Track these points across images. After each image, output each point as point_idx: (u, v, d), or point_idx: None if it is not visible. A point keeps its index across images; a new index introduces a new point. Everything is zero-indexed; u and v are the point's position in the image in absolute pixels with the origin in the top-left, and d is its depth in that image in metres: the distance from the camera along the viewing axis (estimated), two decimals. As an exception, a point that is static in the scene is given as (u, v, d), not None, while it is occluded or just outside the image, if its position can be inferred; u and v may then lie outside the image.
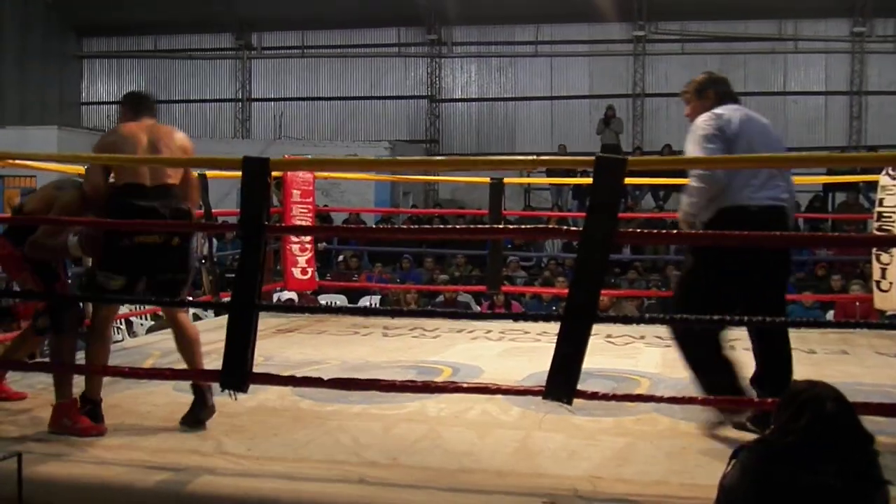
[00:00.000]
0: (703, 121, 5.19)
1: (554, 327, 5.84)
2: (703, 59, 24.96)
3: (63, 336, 5.28)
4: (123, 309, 10.99)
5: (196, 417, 5.07)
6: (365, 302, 14.41)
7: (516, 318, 7.53)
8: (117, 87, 29.29)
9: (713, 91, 5.43)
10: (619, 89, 25.36)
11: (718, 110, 5.24)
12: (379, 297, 14.52)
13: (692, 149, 5.12)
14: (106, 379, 5.83)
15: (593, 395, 4.27)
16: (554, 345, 4.20)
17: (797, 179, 14.78)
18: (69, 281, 5.88)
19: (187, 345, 5.33)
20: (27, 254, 5.37)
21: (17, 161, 8.09)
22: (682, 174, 10.42)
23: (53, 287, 5.43)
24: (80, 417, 4.97)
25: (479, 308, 13.29)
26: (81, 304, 5.66)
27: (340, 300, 14.25)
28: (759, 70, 24.86)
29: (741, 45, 24.72)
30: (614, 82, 25.52)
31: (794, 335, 8.07)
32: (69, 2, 27.80)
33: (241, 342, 4.46)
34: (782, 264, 5.34)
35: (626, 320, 4.70)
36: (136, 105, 5.64)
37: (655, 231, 4.55)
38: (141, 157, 5.23)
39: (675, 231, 4.54)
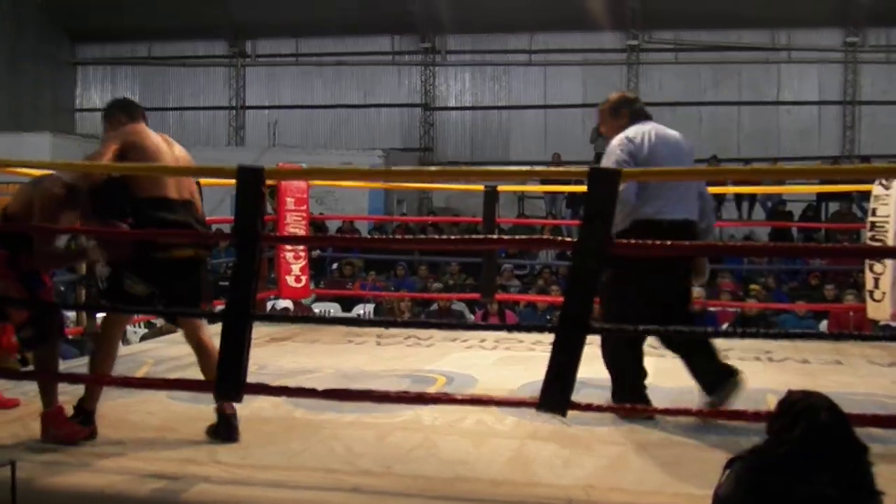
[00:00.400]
0: (616, 146, 5.59)
1: (548, 337, 5.86)
2: (697, 69, 25.04)
3: (46, 345, 5.23)
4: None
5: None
6: (359, 310, 14.41)
7: (511, 329, 7.53)
8: (111, 93, 29.21)
9: (627, 110, 5.84)
10: (612, 98, 25.38)
11: (630, 133, 5.61)
12: (373, 304, 14.52)
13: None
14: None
15: (588, 407, 4.28)
16: (547, 354, 4.21)
17: (791, 189, 14.85)
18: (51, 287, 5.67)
19: (207, 360, 5.18)
20: (36, 265, 5.27)
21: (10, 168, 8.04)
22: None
23: (37, 295, 5.28)
24: (65, 424, 4.94)
25: (472, 316, 13.30)
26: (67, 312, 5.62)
27: (334, 308, 14.24)
28: (753, 79, 24.92)
29: (735, 55, 24.76)
30: (608, 91, 25.14)
31: (788, 345, 8.15)
32: (63, 8, 27.78)
33: (235, 352, 4.46)
34: (687, 275, 5.75)
35: (622, 332, 4.71)
36: (131, 111, 5.56)
37: (650, 242, 4.56)
38: (150, 165, 5.15)
39: (668, 242, 4.54)
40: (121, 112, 5.54)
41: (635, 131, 5.64)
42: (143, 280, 5.11)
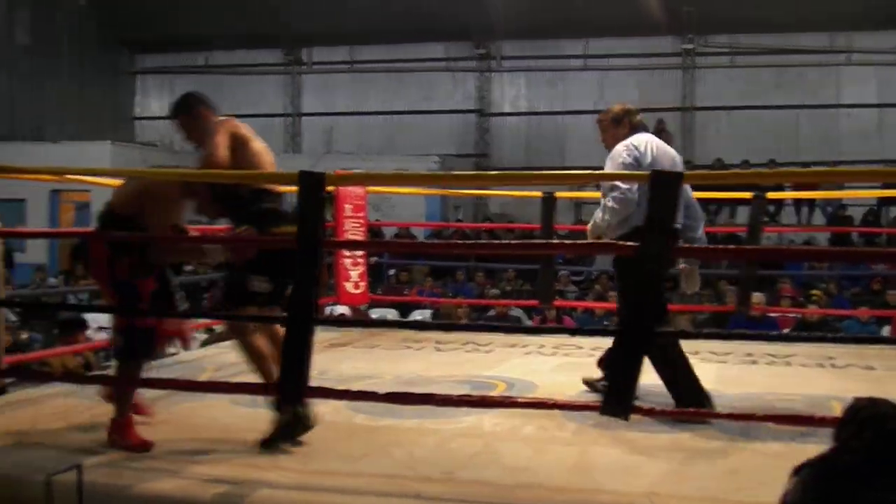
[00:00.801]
0: (622, 152, 5.85)
1: (607, 342, 5.82)
2: (754, 72, 24.82)
3: (133, 361, 5.22)
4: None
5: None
6: (416, 316, 14.42)
7: (573, 332, 7.51)
8: (169, 102, 29.51)
9: (628, 121, 6.09)
10: (668, 102, 25.21)
11: (634, 141, 5.90)
12: (430, 311, 14.52)
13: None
14: (162, 392, 5.91)
15: (650, 412, 4.26)
16: (609, 360, 4.19)
17: (851, 193, 14.67)
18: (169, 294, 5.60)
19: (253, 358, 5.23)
20: (153, 260, 5.25)
21: (73, 176, 8.15)
22: (735, 188, 10.37)
23: (134, 304, 5.20)
24: (131, 434, 4.97)
25: (530, 322, 13.26)
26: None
27: (392, 314, 14.27)
28: (812, 83, 24.65)
29: (793, 58, 24.50)
30: (664, 96, 25.38)
31: (852, 351, 8.04)
32: (123, 18, 28.13)
33: (297, 356, 4.48)
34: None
35: (685, 335, 4.68)
36: (210, 104, 5.62)
37: (712, 246, 4.52)
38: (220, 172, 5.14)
39: (731, 246, 4.50)
40: (203, 105, 5.58)
41: (638, 139, 5.94)
42: (266, 276, 5.15)
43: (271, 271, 5.15)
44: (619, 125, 6.10)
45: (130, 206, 5.23)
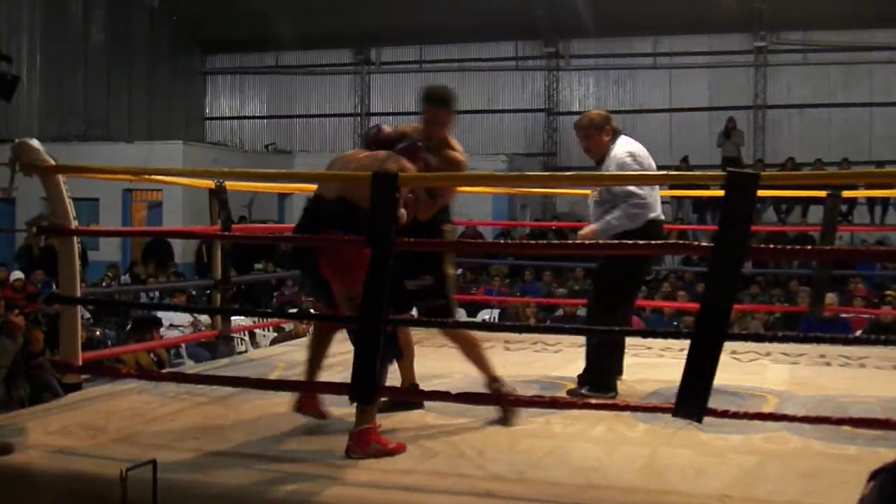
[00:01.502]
0: (627, 160, 6.24)
1: (677, 343, 5.79)
2: (827, 70, 24.53)
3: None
4: (247, 321, 11.26)
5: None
6: (484, 315, 14.42)
7: (645, 335, 7.45)
8: (239, 102, 29.91)
9: (610, 126, 6.40)
10: (739, 101, 25.02)
11: (630, 148, 6.34)
12: (497, 310, 14.52)
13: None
14: (234, 390, 5.98)
15: (724, 414, 4.21)
16: (678, 360, 4.16)
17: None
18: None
19: (469, 350, 5.60)
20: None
21: (147, 176, 8.27)
22: (806, 188, 10.22)
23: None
24: (384, 440, 4.83)
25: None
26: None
27: (459, 314, 14.28)
28: (885, 80, 24.30)
29: (866, 55, 24.18)
30: (735, 94, 25.18)
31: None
32: (194, 19, 28.49)
33: (369, 356, 4.50)
34: None
35: (758, 338, 4.64)
36: None
37: (790, 247, 4.47)
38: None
39: (808, 247, 4.45)
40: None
41: (631, 145, 6.38)
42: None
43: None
44: (602, 131, 6.37)
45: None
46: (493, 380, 5.48)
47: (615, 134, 6.41)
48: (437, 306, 5.59)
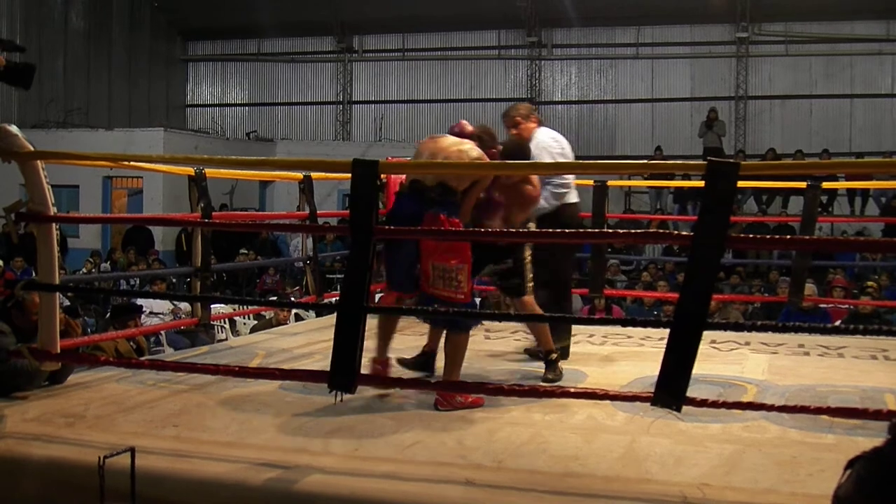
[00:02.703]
0: (552, 144, 7.04)
1: (657, 332, 5.80)
2: (808, 61, 24.59)
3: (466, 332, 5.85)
4: (228, 309, 11.23)
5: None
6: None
7: (625, 324, 7.45)
8: (221, 89, 29.81)
9: (535, 116, 7.22)
10: (721, 92, 25.07)
11: (553, 134, 7.18)
12: (479, 298, 14.50)
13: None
14: (213, 378, 5.96)
15: (703, 403, 4.22)
16: (657, 349, 4.16)
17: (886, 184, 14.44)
18: None
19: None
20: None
21: (127, 163, 8.22)
22: (788, 178, 10.26)
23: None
24: (465, 395, 5.41)
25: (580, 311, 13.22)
26: None
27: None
28: (866, 72, 24.40)
29: (847, 47, 24.26)
30: (716, 84, 25.24)
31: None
32: (176, 6, 28.36)
33: (349, 343, 4.49)
34: None
35: (737, 327, 4.65)
36: None
37: (768, 237, 4.48)
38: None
39: (787, 237, 4.46)
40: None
41: (552, 133, 7.21)
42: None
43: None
44: (530, 119, 7.12)
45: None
46: (547, 352, 6.45)
47: (541, 122, 7.27)
48: (512, 284, 6.43)
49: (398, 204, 5.94)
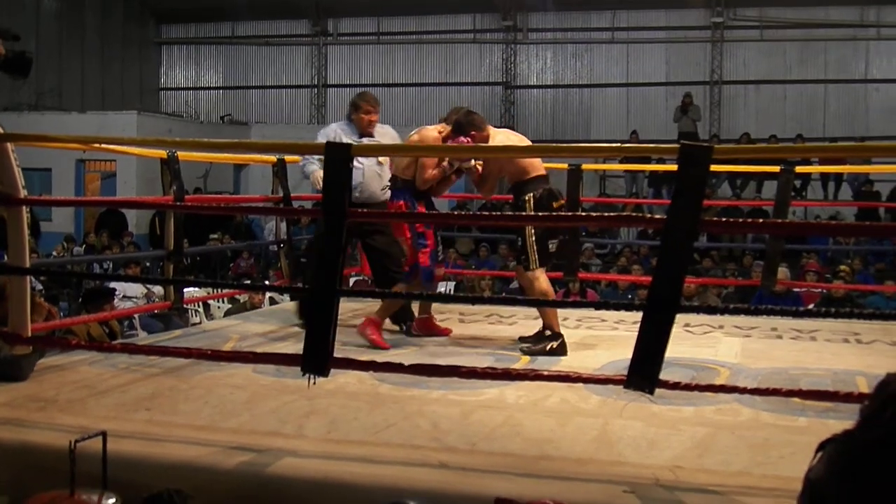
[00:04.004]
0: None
1: (631, 315, 5.81)
2: (782, 46, 24.66)
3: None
4: (201, 293, 11.21)
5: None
6: (440, 288, 14.39)
7: (598, 306, 7.48)
8: (195, 72, 29.66)
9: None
10: (696, 76, 25.12)
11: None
12: (453, 282, 14.51)
13: None
14: (187, 361, 5.93)
15: (675, 385, 4.23)
16: (631, 333, 4.17)
17: (879, 168, 14.63)
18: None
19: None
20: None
21: (101, 146, 8.16)
22: (762, 162, 10.33)
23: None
24: (375, 334, 6.98)
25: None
26: None
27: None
28: (840, 57, 24.49)
29: (822, 32, 24.34)
30: (692, 69, 25.28)
31: (877, 327, 7.99)
32: (149, -12, 28.20)
33: (322, 327, 4.49)
34: None
35: (710, 310, 4.67)
36: None
37: (742, 220, 4.50)
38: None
39: (760, 220, 4.47)
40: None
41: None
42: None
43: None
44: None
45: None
46: (546, 327, 6.96)
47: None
48: (521, 260, 7.05)
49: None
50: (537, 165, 7.02)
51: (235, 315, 10.09)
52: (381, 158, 7.73)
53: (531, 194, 6.87)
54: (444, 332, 7.59)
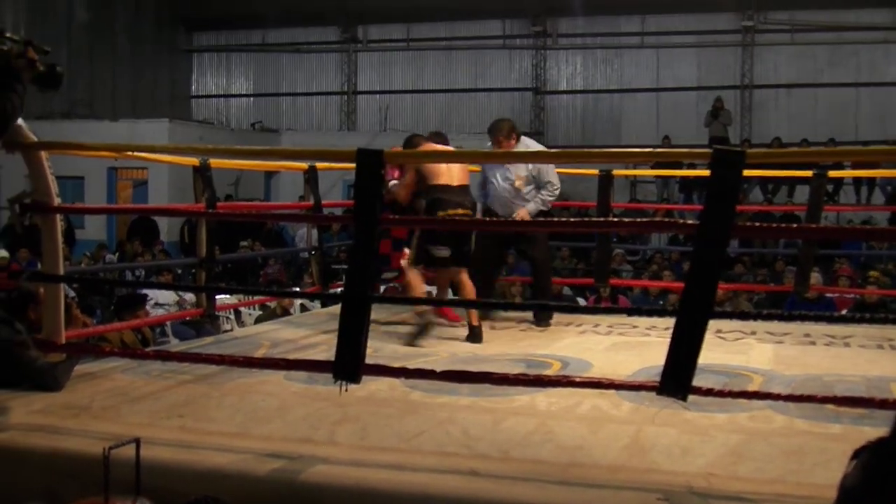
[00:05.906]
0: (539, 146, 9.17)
1: (663, 322, 5.79)
2: (813, 50, 24.53)
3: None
4: (232, 300, 11.24)
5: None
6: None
7: (630, 312, 7.45)
8: (226, 80, 29.79)
9: (516, 133, 8.49)
10: (727, 81, 25.01)
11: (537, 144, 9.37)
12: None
13: (553, 174, 8.60)
14: (218, 368, 5.95)
15: (709, 392, 4.21)
16: (663, 339, 4.14)
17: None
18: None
19: (464, 293, 8.10)
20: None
21: (133, 153, 8.20)
22: (794, 167, 10.26)
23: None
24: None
25: (584, 302, 13.21)
26: None
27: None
28: (872, 60, 24.33)
29: (852, 35, 24.18)
30: (722, 73, 25.18)
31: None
32: (179, -4, 28.35)
33: (353, 334, 4.49)
34: None
35: (743, 316, 4.63)
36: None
37: (774, 225, 4.46)
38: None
39: (793, 225, 4.44)
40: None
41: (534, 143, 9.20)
42: (446, 245, 7.72)
43: (449, 242, 7.73)
44: (511, 137, 8.37)
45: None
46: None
47: (518, 138, 8.53)
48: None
49: None
50: (442, 174, 7.75)
51: (266, 321, 10.12)
52: (517, 182, 8.47)
53: (423, 202, 7.93)
54: (455, 319, 8.59)
